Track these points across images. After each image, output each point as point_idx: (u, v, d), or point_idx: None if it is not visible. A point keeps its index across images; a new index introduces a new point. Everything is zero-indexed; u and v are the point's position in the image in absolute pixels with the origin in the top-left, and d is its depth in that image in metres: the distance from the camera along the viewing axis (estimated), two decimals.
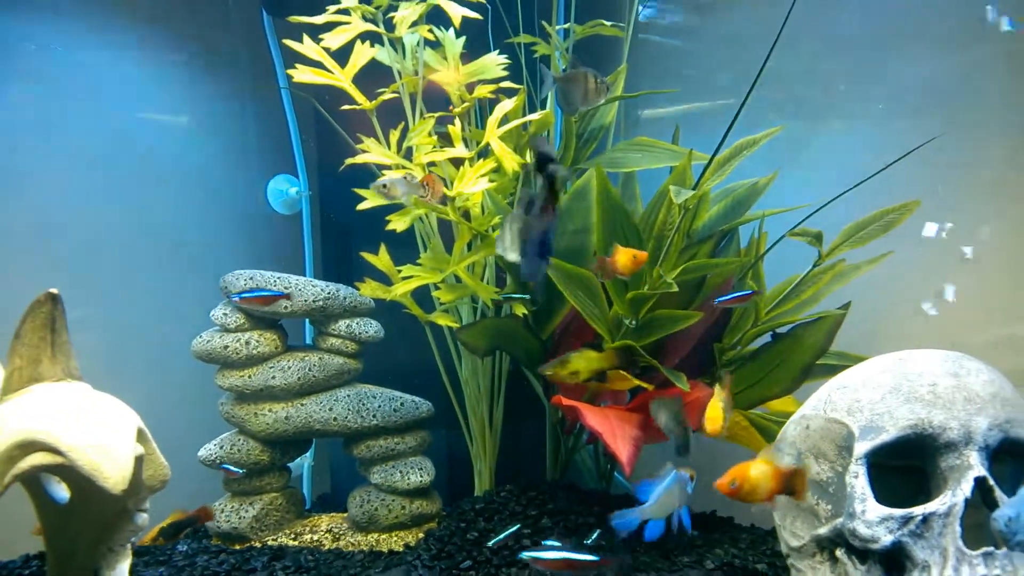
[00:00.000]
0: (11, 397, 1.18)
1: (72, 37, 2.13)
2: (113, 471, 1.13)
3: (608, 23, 1.80)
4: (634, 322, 1.65)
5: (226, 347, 1.93)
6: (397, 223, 1.68)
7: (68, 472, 1.14)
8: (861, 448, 1.11)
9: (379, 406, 1.98)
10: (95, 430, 1.15)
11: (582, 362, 1.65)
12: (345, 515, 2.05)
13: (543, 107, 1.82)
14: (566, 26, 1.83)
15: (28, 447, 1.10)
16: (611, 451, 1.54)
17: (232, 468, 1.88)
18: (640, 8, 2.18)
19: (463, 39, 1.79)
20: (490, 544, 1.57)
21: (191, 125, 2.39)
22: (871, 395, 1.15)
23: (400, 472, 1.95)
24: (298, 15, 1.71)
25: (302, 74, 1.59)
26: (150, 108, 2.32)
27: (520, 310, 1.75)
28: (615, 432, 1.60)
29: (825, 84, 2.01)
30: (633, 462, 1.53)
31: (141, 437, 1.24)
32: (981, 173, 1.75)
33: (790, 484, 1.08)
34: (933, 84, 1.81)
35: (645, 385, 1.65)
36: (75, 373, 1.23)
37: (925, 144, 1.50)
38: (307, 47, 1.60)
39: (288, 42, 1.62)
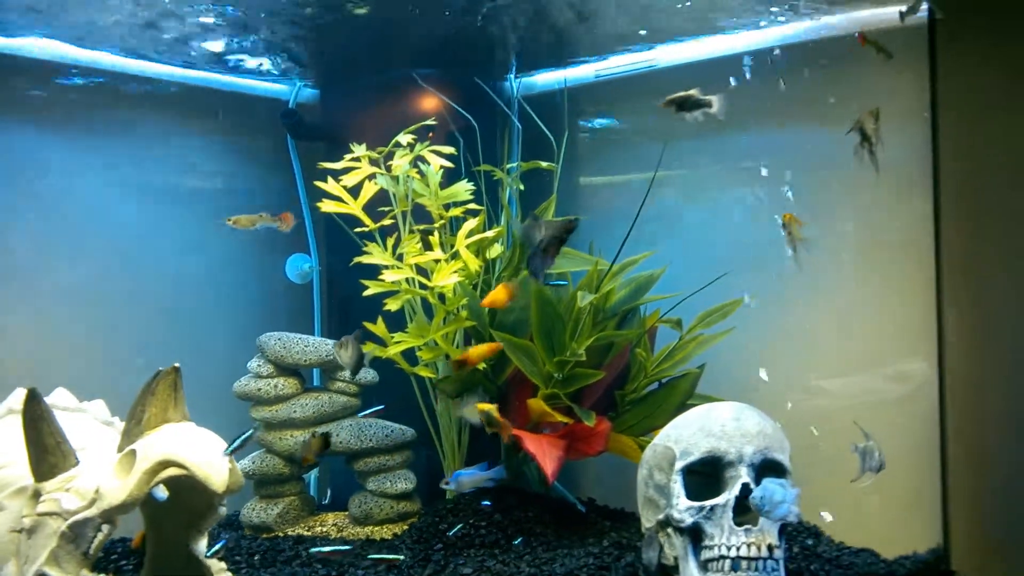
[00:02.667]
0: (149, 433, 1.84)
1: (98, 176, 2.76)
2: (217, 478, 1.80)
3: (544, 163, 2.55)
4: (560, 376, 2.37)
5: (259, 389, 2.62)
6: (392, 304, 2.39)
7: (189, 480, 1.80)
8: (679, 465, 1.85)
9: (374, 432, 2.67)
10: (204, 452, 1.82)
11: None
12: (346, 513, 2.72)
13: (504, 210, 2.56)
14: (513, 164, 2.57)
15: (167, 464, 1.76)
16: (541, 467, 2.25)
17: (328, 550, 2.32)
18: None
19: (441, 171, 2.51)
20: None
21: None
22: (688, 431, 1.89)
23: (390, 481, 2.64)
24: (311, 139, 2.40)
25: (328, 206, 2.29)
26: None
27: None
28: (545, 453, 2.31)
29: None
30: (555, 475, 2.24)
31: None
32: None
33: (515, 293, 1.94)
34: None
35: (566, 420, 2.37)
36: (187, 416, 1.90)
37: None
38: (330, 186, 2.31)
39: (319, 183, 2.32)
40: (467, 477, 2.21)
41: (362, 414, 2.50)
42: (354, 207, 2.33)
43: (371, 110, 2.92)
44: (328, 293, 3.13)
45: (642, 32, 2.69)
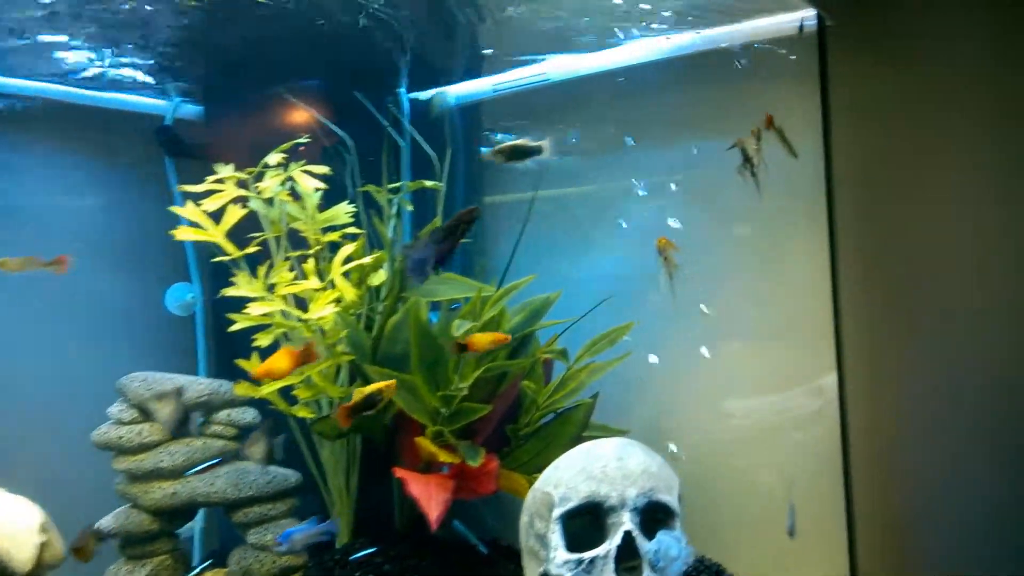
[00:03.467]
0: None
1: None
2: (20, 557, 1.56)
3: (429, 183, 2.38)
4: (447, 412, 2.19)
5: (120, 437, 2.36)
6: (262, 340, 2.18)
7: None
8: (556, 513, 1.68)
9: (254, 479, 2.43)
10: (6, 526, 1.58)
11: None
12: (227, 570, 2.47)
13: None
14: (398, 184, 2.39)
15: None
16: (424, 513, 2.05)
17: None
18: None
19: (319, 193, 2.32)
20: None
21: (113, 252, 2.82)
22: (567, 474, 1.72)
23: (272, 533, 2.40)
24: (190, 157, 2.19)
25: (183, 233, 2.08)
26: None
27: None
28: (430, 496, 2.11)
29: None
30: (439, 520, 2.04)
31: (43, 528, 1.67)
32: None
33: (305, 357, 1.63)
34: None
35: (457, 459, 2.18)
36: None
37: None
38: (187, 211, 2.09)
39: (173, 208, 2.11)
40: (299, 534, 2.10)
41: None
42: (214, 234, 2.12)
43: (255, 126, 2.72)
44: (214, 326, 2.89)
45: (538, 44, 2.56)
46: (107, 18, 2.33)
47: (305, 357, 1.82)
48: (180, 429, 1.90)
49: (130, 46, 2.58)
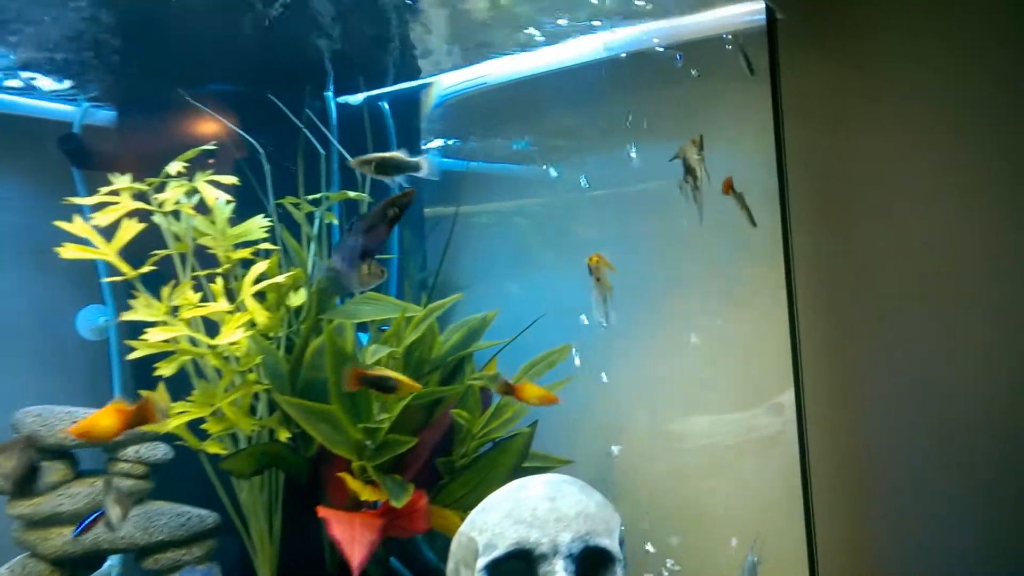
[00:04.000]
0: None
1: None
2: None
3: (351, 193, 2.19)
4: (373, 445, 1.99)
5: None
6: (165, 368, 1.96)
7: None
8: (481, 562, 1.48)
9: (166, 522, 2.20)
10: None
11: None
12: None
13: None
14: (318, 195, 2.19)
15: None
16: (346, 557, 1.85)
17: None
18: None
19: (231, 206, 2.11)
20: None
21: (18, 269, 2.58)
22: (493, 517, 1.53)
23: None
24: (99, 167, 1.97)
25: (68, 251, 1.86)
26: None
27: (283, 435, 2.05)
28: (354, 539, 1.91)
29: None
30: (363, 564, 1.84)
31: None
32: None
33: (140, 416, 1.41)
34: None
35: (378, 497, 1.98)
36: None
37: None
38: (74, 226, 1.87)
39: (59, 223, 1.88)
40: None
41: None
42: (105, 252, 1.90)
43: (168, 134, 2.50)
44: (130, 351, 2.65)
45: (475, 46, 2.39)
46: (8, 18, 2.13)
47: (140, 416, 1.57)
48: (23, 487, 1.64)
49: (33, 47, 2.38)
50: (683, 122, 2.04)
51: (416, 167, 1.54)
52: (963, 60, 1.87)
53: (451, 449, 2.08)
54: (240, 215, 2.13)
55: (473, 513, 1.61)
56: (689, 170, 1.66)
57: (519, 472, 2.01)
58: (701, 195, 1.67)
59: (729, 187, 1.78)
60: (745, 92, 2.11)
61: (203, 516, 2.27)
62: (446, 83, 2.53)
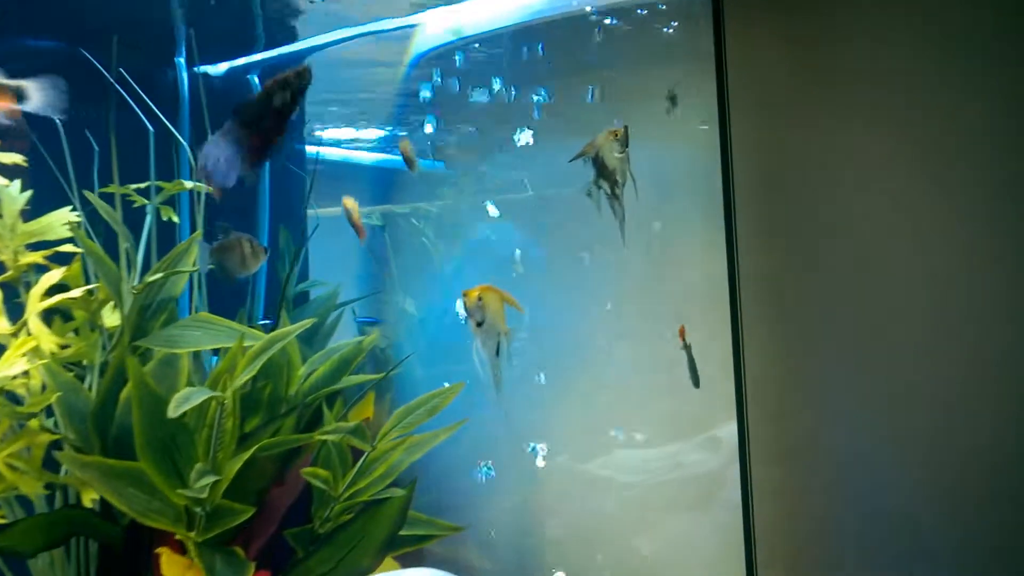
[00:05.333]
0: None
1: None
2: None
3: (188, 183, 1.72)
4: (204, 511, 1.52)
5: None
6: None
7: None
8: None
9: None
10: None
11: None
12: None
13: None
14: (148, 184, 1.72)
15: None
16: None
17: None
18: None
19: (28, 194, 1.62)
20: None
21: None
22: None
23: None
24: None
25: None
26: None
27: (88, 497, 1.57)
28: None
29: None
30: None
31: None
32: None
33: None
34: None
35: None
36: None
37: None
38: None
39: None
40: None
41: None
42: None
43: None
44: None
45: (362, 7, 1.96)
46: None
47: None
48: None
49: None
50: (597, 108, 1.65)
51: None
52: (927, 39, 1.55)
53: (310, 515, 1.63)
54: (40, 208, 1.64)
55: None
56: (604, 172, 1.23)
57: (393, 544, 1.58)
58: (622, 207, 1.25)
59: (682, 336, 1.42)
60: (683, 73, 1.74)
61: None
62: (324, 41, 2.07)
